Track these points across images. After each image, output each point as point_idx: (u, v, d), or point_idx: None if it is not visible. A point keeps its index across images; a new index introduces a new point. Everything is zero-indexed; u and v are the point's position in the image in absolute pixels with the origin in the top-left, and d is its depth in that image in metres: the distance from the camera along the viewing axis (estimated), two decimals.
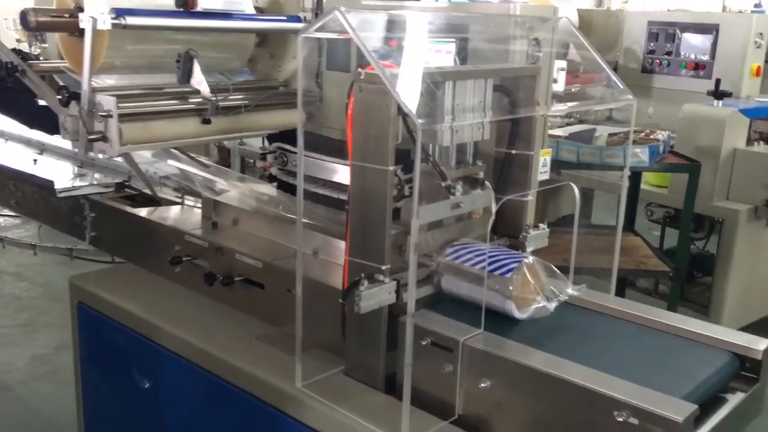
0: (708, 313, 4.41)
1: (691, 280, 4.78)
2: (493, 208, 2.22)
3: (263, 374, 2.00)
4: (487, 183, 2.20)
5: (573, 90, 4.55)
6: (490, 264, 1.92)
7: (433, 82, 1.82)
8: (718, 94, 4.39)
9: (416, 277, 2.01)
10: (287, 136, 2.53)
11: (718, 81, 4.46)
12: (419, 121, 1.55)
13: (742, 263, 4.31)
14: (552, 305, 1.89)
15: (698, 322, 1.99)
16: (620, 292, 4.51)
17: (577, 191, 2.06)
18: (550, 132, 3.61)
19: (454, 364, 1.80)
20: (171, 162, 3.10)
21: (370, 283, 1.82)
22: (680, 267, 3.68)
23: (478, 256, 1.99)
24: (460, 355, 1.80)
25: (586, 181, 5.09)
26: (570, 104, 2.76)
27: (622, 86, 2.16)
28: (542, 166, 2.15)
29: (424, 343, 1.86)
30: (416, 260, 1.68)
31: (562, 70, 3.99)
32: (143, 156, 3.15)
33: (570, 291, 1.96)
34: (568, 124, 4.98)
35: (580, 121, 5.29)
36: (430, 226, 2.03)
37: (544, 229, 2.44)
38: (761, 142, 4.55)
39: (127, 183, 3.06)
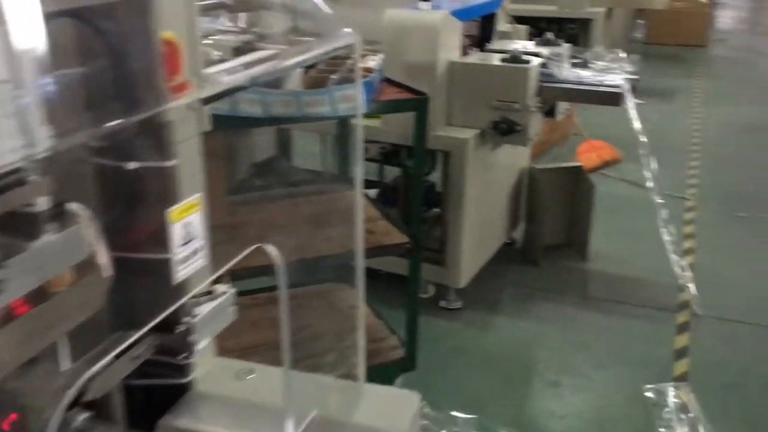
0: (444, 262, 3.71)
1: None
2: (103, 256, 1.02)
3: None
4: (75, 208, 0.98)
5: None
6: None
7: None
8: None
9: None
10: None
11: None
12: None
13: (475, 197, 3.63)
14: None
15: None
16: None
17: None
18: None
19: None
20: None
21: None
22: (417, 234, 2.82)
23: None
24: None
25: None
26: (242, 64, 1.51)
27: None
28: None
29: None
30: None
31: None
32: None
33: None
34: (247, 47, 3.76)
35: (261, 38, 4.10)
36: None
37: (225, 293, 1.30)
38: (474, 49, 3.83)
39: None
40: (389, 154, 3.74)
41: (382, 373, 3.05)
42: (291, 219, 2.99)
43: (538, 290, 4.02)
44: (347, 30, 1.12)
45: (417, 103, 2.56)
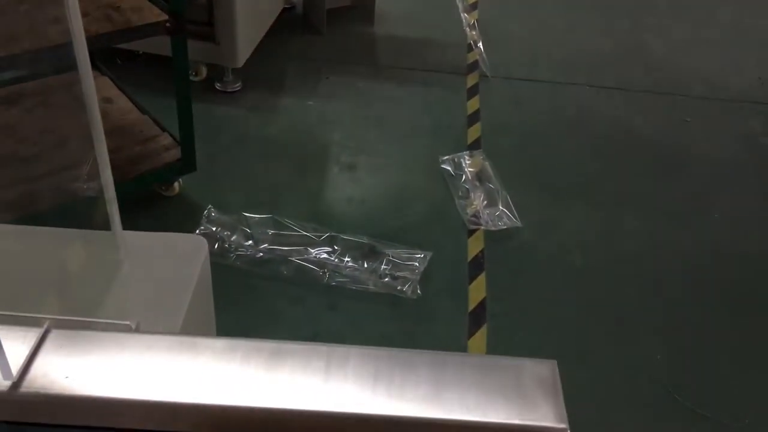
0: (216, 37, 3.16)
1: None
2: None
3: None
4: None
5: None
6: None
7: None
8: None
9: None
10: None
11: None
12: None
13: None
14: None
15: None
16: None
17: None
18: None
19: None
20: None
21: None
22: (178, 9, 2.22)
23: None
24: None
25: None
26: None
27: None
28: None
29: None
30: None
31: None
32: None
33: None
34: None
35: None
36: None
37: None
38: None
39: None
40: None
41: (157, 179, 2.62)
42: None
43: (324, 62, 3.64)
44: None
45: None
